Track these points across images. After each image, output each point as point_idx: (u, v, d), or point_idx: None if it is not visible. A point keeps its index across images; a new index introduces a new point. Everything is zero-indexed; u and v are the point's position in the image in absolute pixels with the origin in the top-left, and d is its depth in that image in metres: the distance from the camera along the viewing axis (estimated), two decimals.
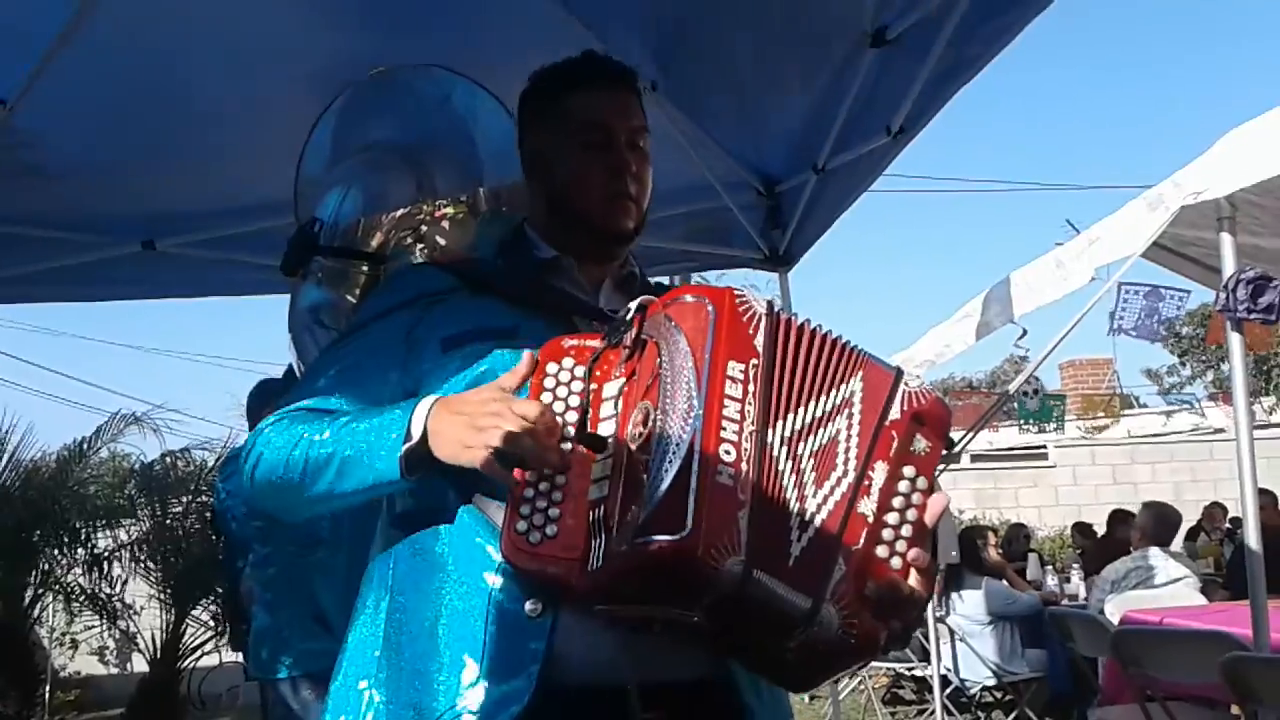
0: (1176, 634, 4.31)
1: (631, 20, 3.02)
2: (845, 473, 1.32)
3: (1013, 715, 6.35)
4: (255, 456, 1.48)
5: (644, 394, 1.30)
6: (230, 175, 3.39)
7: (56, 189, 3.35)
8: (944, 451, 1.39)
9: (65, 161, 3.26)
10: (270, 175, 3.01)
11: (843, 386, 1.36)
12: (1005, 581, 6.88)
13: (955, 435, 9.20)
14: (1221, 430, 14.03)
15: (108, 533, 8.38)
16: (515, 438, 1.26)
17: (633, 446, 1.28)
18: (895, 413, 1.36)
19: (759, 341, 1.32)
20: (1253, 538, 3.49)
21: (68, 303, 4.32)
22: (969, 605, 6.51)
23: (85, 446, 8.60)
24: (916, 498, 1.34)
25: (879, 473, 1.33)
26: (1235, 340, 3.53)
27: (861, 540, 1.30)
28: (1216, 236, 3.62)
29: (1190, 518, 11.42)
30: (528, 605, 1.33)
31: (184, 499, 8.05)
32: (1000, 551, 7.51)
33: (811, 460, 1.31)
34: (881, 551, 1.31)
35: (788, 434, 1.30)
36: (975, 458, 15.06)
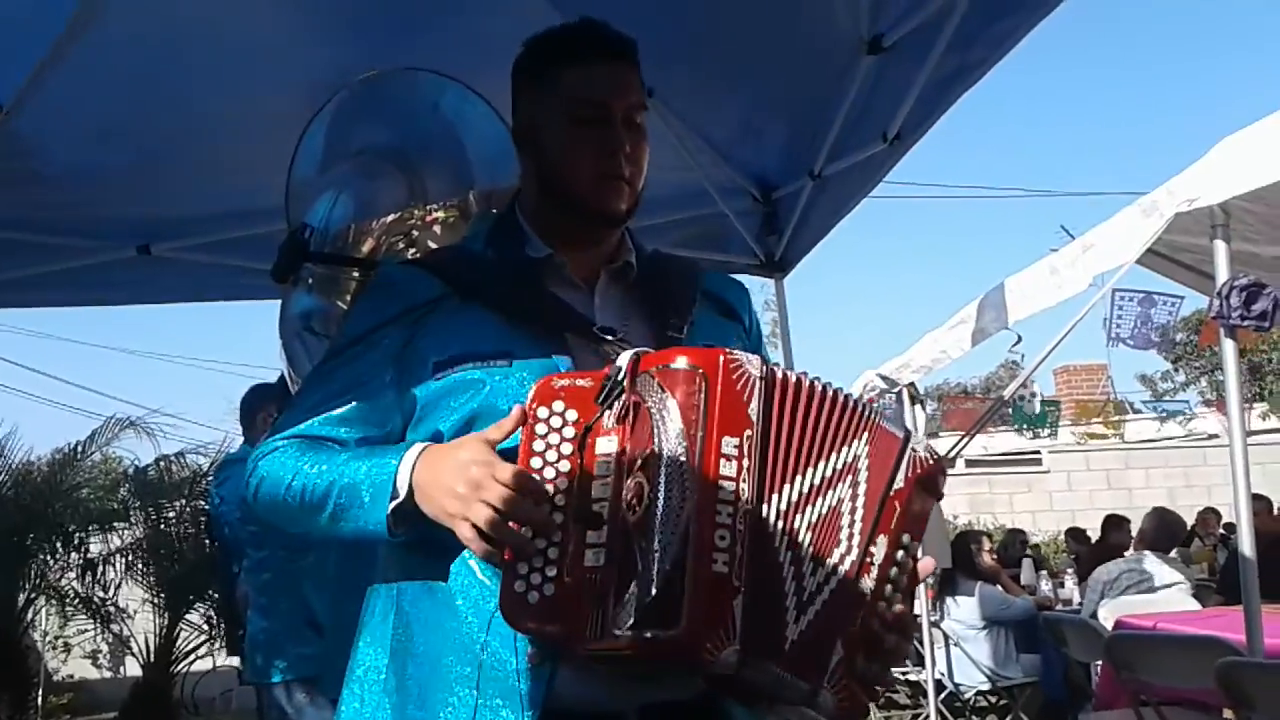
0: (1170, 639, 4.31)
1: (627, 26, 3.02)
2: (849, 549, 1.30)
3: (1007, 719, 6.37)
4: (257, 480, 1.47)
5: (639, 466, 1.25)
6: (225, 180, 3.39)
7: (53, 194, 3.35)
8: (936, 501, 1.39)
9: (62, 166, 3.26)
10: (265, 181, 3.00)
11: (844, 450, 1.31)
12: (999, 586, 6.88)
13: (950, 441, 9.21)
14: (1215, 436, 14.06)
15: (101, 537, 8.36)
16: (494, 522, 1.24)
17: (630, 519, 1.23)
18: (900, 481, 1.33)
19: (753, 409, 1.26)
20: (1246, 544, 3.49)
21: (63, 307, 4.32)
22: (963, 610, 6.52)
23: (79, 451, 8.58)
24: (909, 564, 1.33)
25: (880, 547, 1.31)
26: (1229, 347, 3.54)
27: (858, 621, 1.29)
28: (1210, 243, 3.62)
29: (1184, 523, 11.45)
30: (530, 652, 1.32)
31: (178, 503, 8.04)
32: (996, 556, 7.51)
33: (810, 533, 1.28)
34: (876, 626, 1.30)
35: (785, 507, 1.26)
36: (970, 463, 15.08)
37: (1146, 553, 6.07)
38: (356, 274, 2.32)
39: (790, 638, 1.25)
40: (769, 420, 1.27)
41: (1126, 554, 6.16)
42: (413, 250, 2.30)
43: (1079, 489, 14.76)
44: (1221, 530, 10.15)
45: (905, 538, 1.33)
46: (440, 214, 2.27)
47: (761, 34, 3.01)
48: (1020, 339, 5.09)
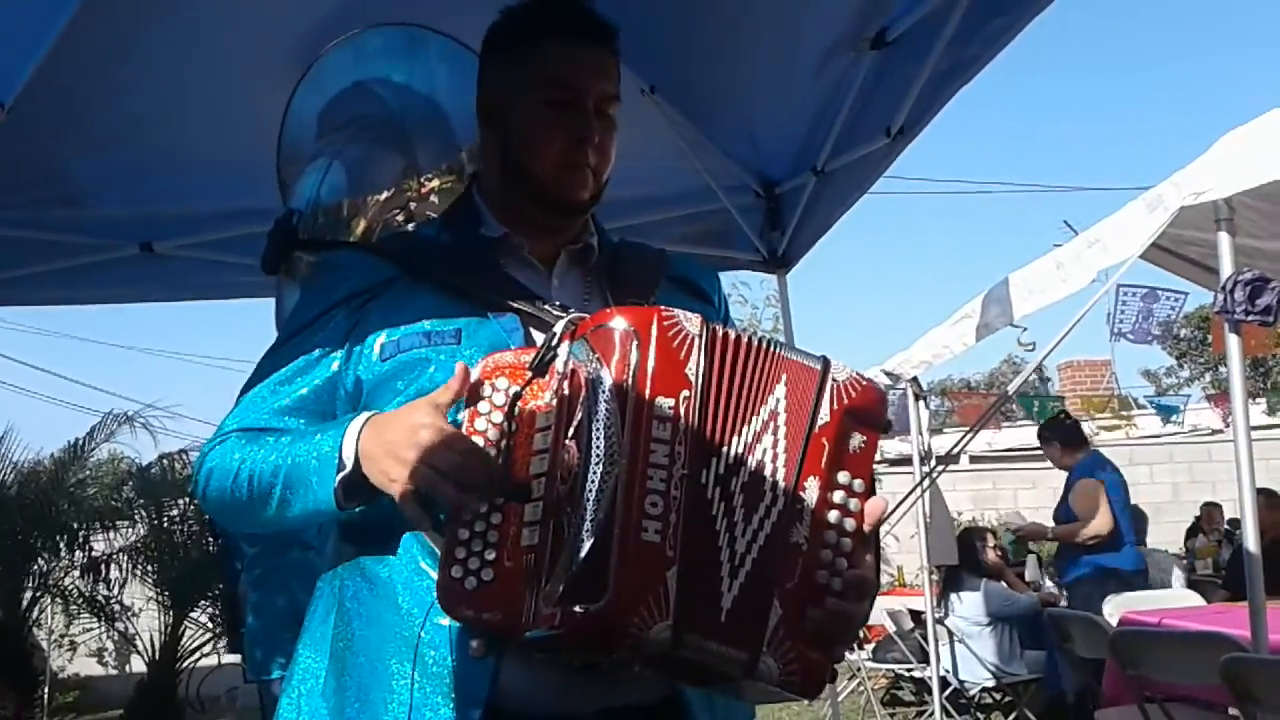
0: (1175, 635, 4.31)
1: (629, 22, 3.01)
2: (774, 500, 1.19)
3: (1012, 716, 6.36)
4: (205, 476, 1.42)
5: (572, 435, 1.19)
6: (229, 178, 3.39)
7: (54, 192, 3.35)
8: (881, 436, 1.27)
9: (61, 164, 3.26)
10: (269, 178, 3.00)
11: (769, 399, 1.22)
12: (1004, 583, 6.88)
13: (954, 436, 9.19)
14: (1219, 431, 14.03)
15: (105, 535, 8.37)
16: (435, 480, 1.19)
17: (561, 493, 1.18)
18: (825, 415, 1.22)
19: (691, 369, 1.18)
20: (1251, 540, 3.48)
21: (67, 305, 4.32)
22: (968, 607, 6.51)
23: (81, 448, 8.59)
24: (854, 504, 1.23)
25: (810, 490, 1.20)
26: (1233, 342, 3.53)
27: (797, 575, 1.19)
28: (1215, 237, 3.61)
29: (1188, 517, 11.43)
30: (472, 644, 1.26)
31: (181, 501, 8.04)
32: (999, 553, 7.51)
33: (741, 494, 1.18)
34: (820, 578, 1.20)
35: (722, 470, 1.18)
36: (974, 459, 15.05)
37: (1145, 549, 6.07)
38: None
39: (725, 607, 1.16)
40: (708, 380, 1.19)
41: None
42: (412, 224, 2.25)
43: None
44: (1226, 526, 10.13)
45: (843, 476, 1.22)
46: (436, 182, 2.21)
47: (764, 29, 3.00)
48: (1026, 330, 5.08)
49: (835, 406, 1.23)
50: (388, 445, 1.24)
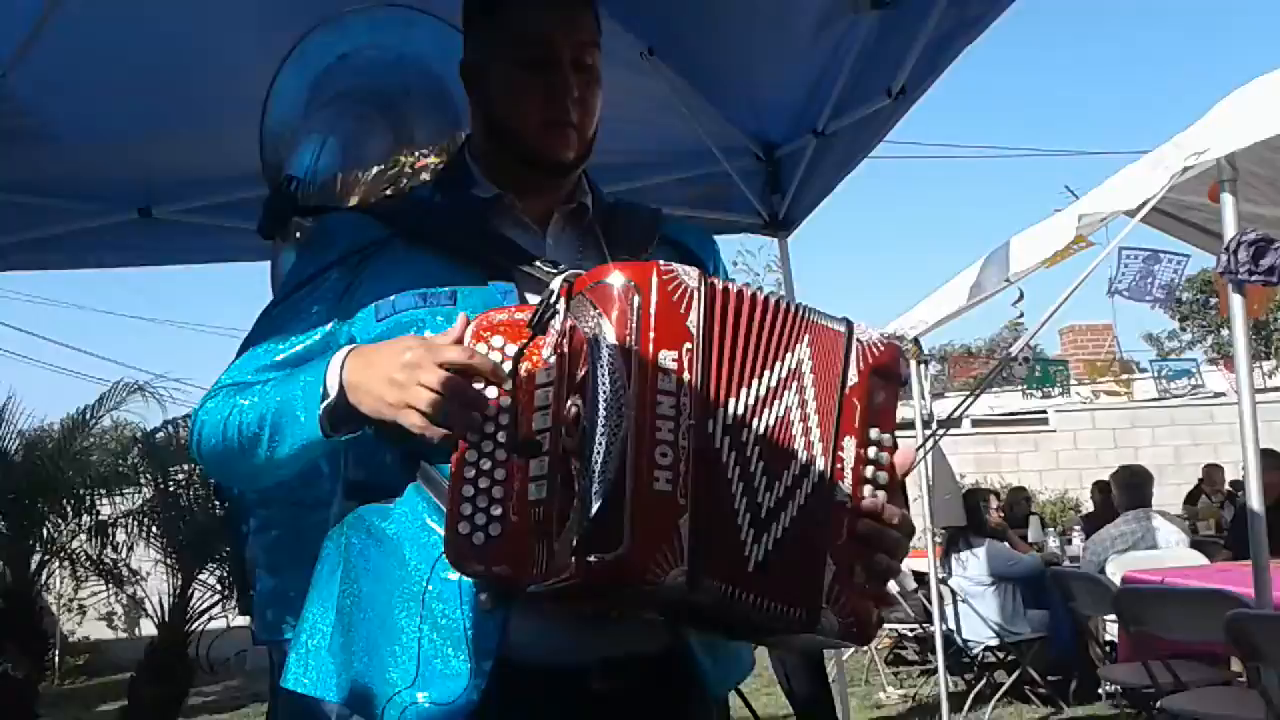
0: (1178, 592, 4.33)
1: None
2: (812, 458, 1.22)
3: (1015, 675, 6.40)
4: (199, 431, 1.43)
5: (576, 388, 1.20)
6: (227, 142, 3.36)
7: (52, 156, 3.34)
8: (900, 387, 1.31)
9: (61, 128, 3.25)
10: None
11: (788, 356, 1.24)
12: (1007, 543, 6.90)
13: (956, 401, 9.20)
14: (1221, 394, 14.04)
15: (111, 500, 8.41)
16: (436, 399, 1.20)
17: (568, 445, 1.19)
18: (854, 376, 1.27)
19: (692, 321, 1.20)
20: (1255, 497, 3.49)
21: (65, 270, 4.31)
22: (971, 567, 6.54)
23: (88, 415, 8.61)
24: (885, 458, 1.27)
25: (849, 450, 1.25)
26: (1236, 303, 3.52)
27: (845, 532, 1.23)
28: (1215, 202, 3.59)
29: (1191, 480, 11.46)
30: (481, 597, 1.28)
31: (186, 466, 8.07)
32: (1002, 515, 7.53)
33: (760, 446, 1.21)
34: (864, 528, 1.24)
35: (730, 421, 1.20)
36: (976, 423, 15.09)
37: (1148, 510, 6.08)
38: None
39: (754, 558, 1.18)
40: (710, 332, 1.21)
41: (1127, 513, 6.15)
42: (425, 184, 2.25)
43: (1085, 448, 14.76)
44: (1228, 487, 10.15)
45: (874, 432, 1.27)
46: (431, 159, 2.21)
47: None
48: (1022, 295, 5.06)
49: (862, 367, 1.27)
50: (376, 371, 1.26)
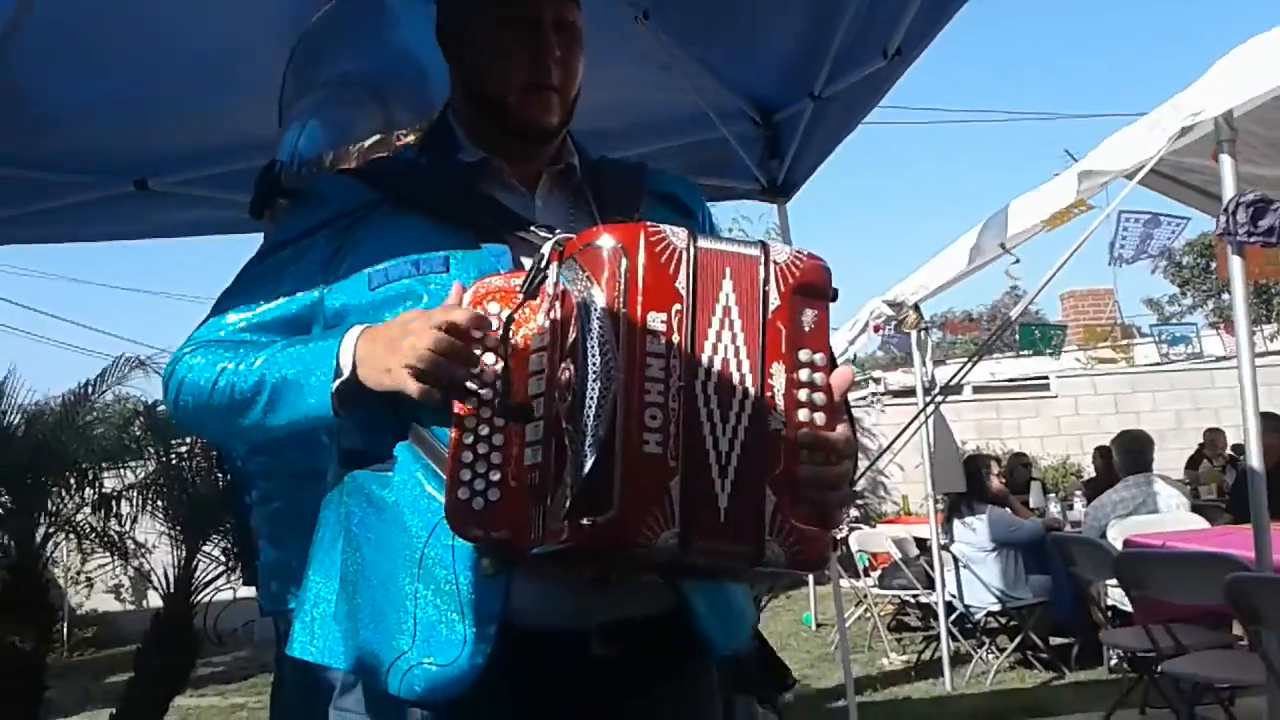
0: (1178, 556, 4.34)
1: None
2: (745, 394, 1.20)
3: (1017, 640, 6.43)
4: (178, 381, 1.41)
5: (568, 352, 1.19)
6: (222, 113, 3.36)
7: (47, 129, 3.33)
8: (830, 304, 1.27)
9: (54, 101, 3.23)
10: (261, 111, 2.97)
11: (720, 295, 1.21)
12: (1008, 509, 6.92)
13: (955, 366, 9.18)
14: (1223, 358, 14.02)
15: (117, 473, 8.44)
16: (430, 359, 1.21)
17: (561, 411, 1.19)
18: (775, 300, 1.22)
19: (681, 283, 1.19)
20: (1255, 459, 3.49)
21: (61, 243, 4.31)
22: (972, 533, 6.55)
23: (90, 389, 8.63)
24: (819, 378, 1.23)
25: (778, 377, 1.21)
26: (1236, 264, 3.50)
27: (782, 460, 1.20)
28: (1214, 164, 3.57)
29: (1192, 445, 11.46)
30: (483, 562, 1.28)
31: (189, 439, 8.09)
32: (1003, 481, 7.54)
33: (717, 395, 1.19)
34: (803, 456, 1.21)
35: (703, 376, 1.19)
36: (977, 389, 15.08)
37: (1141, 475, 6.08)
38: None
39: (722, 507, 1.17)
40: (697, 291, 1.20)
41: (1128, 478, 6.16)
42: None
43: (1086, 413, 14.75)
44: (1229, 452, 10.15)
45: (804, 354, 1.23)
46: (411, 138, 2.22)
47: None
48: (1018, 260, 5.05)
49: (783, 289, 1.23)
50: (383, 343, 1.26)
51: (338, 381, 1.30)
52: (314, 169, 2.27)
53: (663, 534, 1.13)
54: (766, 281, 1.23)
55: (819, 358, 1.24)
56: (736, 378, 1.20)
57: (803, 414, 1.22)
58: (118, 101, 3.27)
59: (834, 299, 1.28)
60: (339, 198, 1.46)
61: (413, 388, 1.23)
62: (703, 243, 1.22)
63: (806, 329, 1.24)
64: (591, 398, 1.16)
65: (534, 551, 1.20)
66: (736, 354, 1.20)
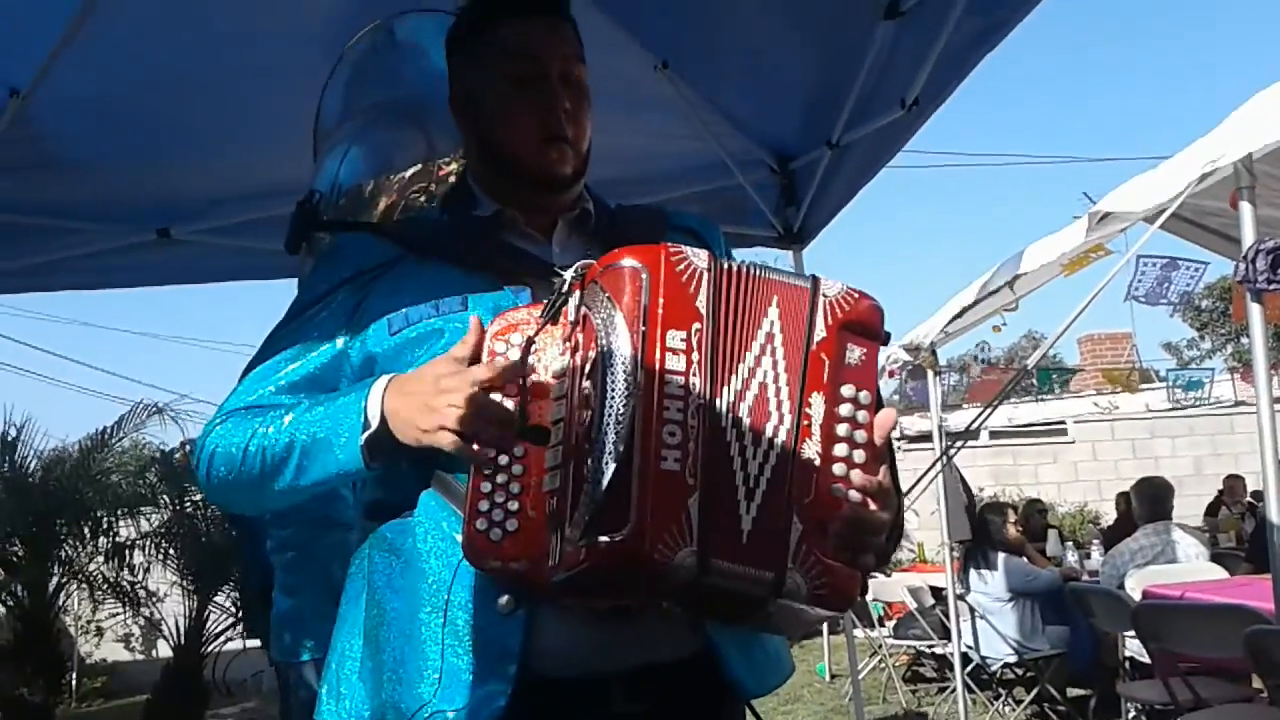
0: (1197, 608, 4.28)
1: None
2: (781, 419, 1.20)
3: (1034, 692, 6.34)
4: (209, 454, 1.40)
5: (588, 374, 1.20)
6: (244, 162, 3.40)
7: (71, 178, 3.37)
8: (882, 346, 1.28)
9: (79, 151, 3.27)
10: (282, 158, 3.00)
11: (764, 322, 1.23)
12: (1025, 558, 6.86)
13: (974, 412, 9.16)
14: (1242, 403, 13.94)
15: (129, 521, 8.44)
16: (469, 419, 1.21)
17: (580, 434, 1.19)
18: (821, 332, 1.24)
19: (701, 302, 1.20)
20: (1274, 510, 3.45)
21: (85, 290, 4.35)
22: (989, 583, 6.50)
23: (107, 436, 8.65)
24: (862, 416, 1.23)
25: (816, 407, 1.22)
26: (1255, 312, 3.49)
27: (813, 490, 1.20)
28: (1234, 208, 3.57)
29: (1211, 491, 11.37)
30: (501, 601, 1.27)
31: None
32: (1019, 529, 7.48)
33: (749, 418, 1.20)
34: (837, 491, 1.21)
35: (732, 398, 1.19)
36: (994, 434, 15.00)
37: (1160, 523, 6.02)
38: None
39: (745, 530, 1.17)
40: (718, 311, 1.21)
41: (1146, 526, 6.10)
42: (434, 205, 2.26)
43: (1104, 459, 14.67)
44: (1249, 498, 10.07)
45: (847, 390, 1.23)
46: (454, 165, 2.22)
47: (776, 2, 2.98)
48: (1008, 319, 5.05)
49: (830, 322, 1.24)
50: (414, 398, 1.26)
51: (366, 434, 1.29)
52: (354, 199, 2.26)
53: (680, 551, 1.13)
54: (814, 312, 1.24)
55: (863, 395, 1.24)
56: (773, 403, 1.21)
57: (840, 449, 1.22)
58: (140, 149, 3.30)
59: (885, 342, 1.29)
60: (361, 254, 1.47)
61: (452, 447, 1.23)
62: (751, 270, 1.24)
63: (852, 365, 1.24)
64: (610, 416, 1.16)
65: (551, 581, 1.19)
66: (776, 380, 1.22)
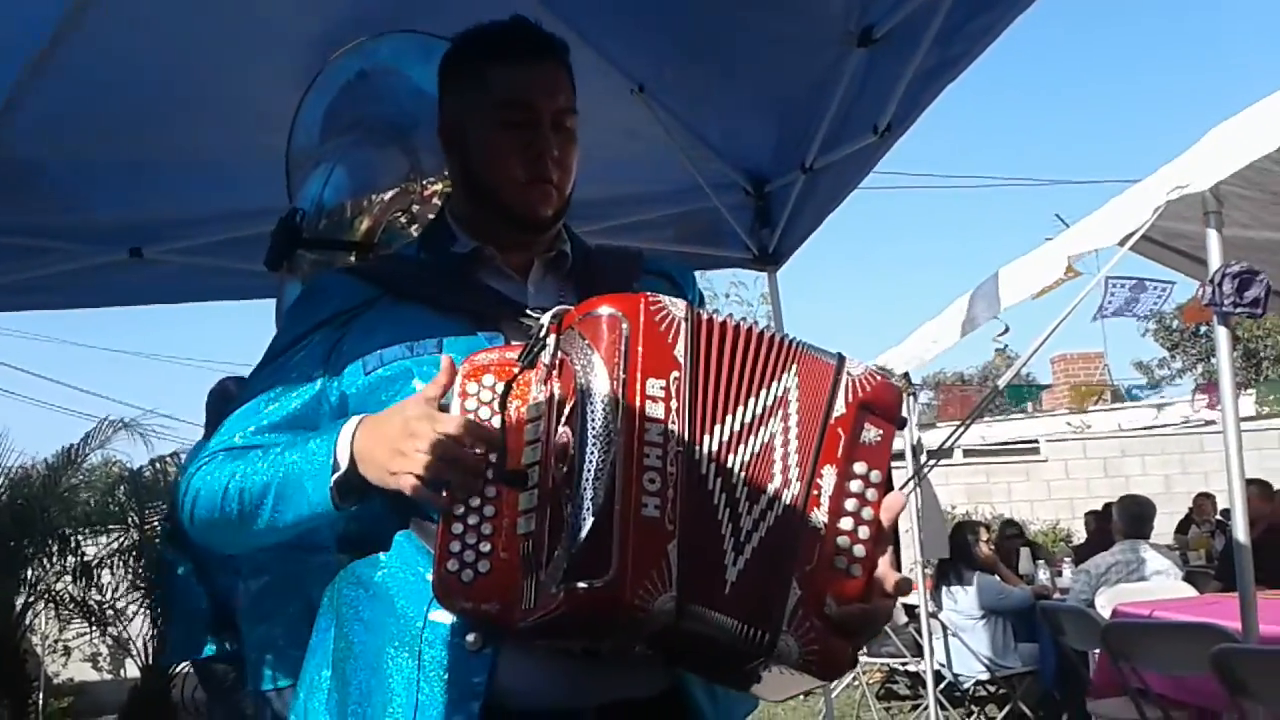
0: (1166, 626, 4.31)
1: (618, 23, 3.02)
2: (786, 482, 1.23)
3: (1006, 709, 6.37)
4: (192, 496, 1.41)
5: (566, 419, 1.20)
6: (216, 182, 3.39)
7: (44, 198, 3.35)
8: (896, 432, 1.30)
9: (52, 170, 3.26)
10: (255, 180, 3.00)
11: (774, 384, 1.25)
12: (997, 576, 6.90)
13: (946, 430, 9.21)
14: (1212, 423, 14.09)
15: (96, 540, 8.34)
16: (437, 467, 1.20)
17: (557, 478, 1.19)
18: (840, 407, 1.26)
19: (679, 351, 1.22)
20: (1240, 530, 3.49)
21: (57, 310, 4.31)
22: (961, 600, 6.53)
23: (74, 453, 8.56)
24: (871, 494, 1.25)
25: (828, 478, 1.24)
26: (1222, 334, 3.53)
27: (815, 558, 1.21)
28: (1203, 230, 3.62)
29: (1181, 509, 11.47)
30: (469, 638, 1.27)
31: (164, 505, 8.03)
32: (993, 547, 7.52)
33: (745, 472, 1.22)
34: (840, 563, 1.22)
35: (716, 447, 1.21)
36: (967, 453, 15.09)
37: (1132, 541, 6.07)
38: (353, 257, 2.24)
39: (729, 580, 1.18)
40: (696, 361, 1.23)
41: (1118, 543, 6.15)
42: (414, 226, 2.24)
43: (1076, 477, 14.78)
44: (1219, 516, 10.16)
45: (859, 466, 1.25)
46: (438, 186, 2.21)
47: (752, 28, 3.01)
48: (1008, 329, 5.10)
49: (850, 399, 1.27)
50: (383, 441, 1.25)
51: (335, 475, 1.29)
52: (337, 216, 2.25)
53: (660, 597, 1.13)
54: (836, 386, 1.27)
55: (875, 475, 1.26)
56: (779, 465, 1.23)
57: (846, 523, 1.24)
58: (113, 170, 3.29)
59: (901, 426, 1.31)
60: (339, 296, 1.48)
61: (413, 492, 1.22)
62: (742, 325, 1.26)
63: (867, 444, 1.26)
64: (590, 461, 1.16)
65: (526, 623, 1.19)
66: (786, 444, 1.24)
